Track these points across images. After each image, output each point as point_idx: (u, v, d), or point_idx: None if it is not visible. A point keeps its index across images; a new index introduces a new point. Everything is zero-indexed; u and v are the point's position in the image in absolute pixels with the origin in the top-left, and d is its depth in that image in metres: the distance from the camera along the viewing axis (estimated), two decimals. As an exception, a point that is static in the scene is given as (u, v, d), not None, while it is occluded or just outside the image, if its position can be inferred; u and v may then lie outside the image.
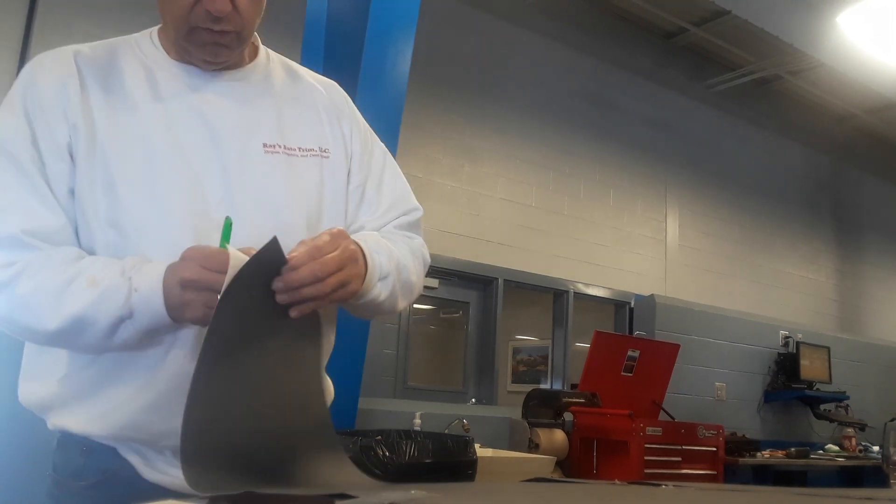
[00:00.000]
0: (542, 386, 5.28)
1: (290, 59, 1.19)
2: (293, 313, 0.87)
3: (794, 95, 6.59)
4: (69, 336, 0.88)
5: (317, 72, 1.20)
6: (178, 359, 0.91)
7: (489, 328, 4.70)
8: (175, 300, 0.84)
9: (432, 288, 4.44)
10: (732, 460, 4.31)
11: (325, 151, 1.09)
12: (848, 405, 5.83)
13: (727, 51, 5.87)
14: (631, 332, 5.20)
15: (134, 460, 0.95)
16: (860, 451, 5.44)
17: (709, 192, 6.08)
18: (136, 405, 0.92)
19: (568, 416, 3.66)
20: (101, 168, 0.94)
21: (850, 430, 5.57)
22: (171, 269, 0.86)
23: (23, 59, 3.10)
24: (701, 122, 6.11)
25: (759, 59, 5.91)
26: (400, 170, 1.20)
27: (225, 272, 0.80)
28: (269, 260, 0.84)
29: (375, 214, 1.12)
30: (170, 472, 0.93)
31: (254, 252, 0.82)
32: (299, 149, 1.06)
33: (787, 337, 5.83)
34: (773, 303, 6.33)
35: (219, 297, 0.80)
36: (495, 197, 4.84)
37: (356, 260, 0.94)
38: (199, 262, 0.83)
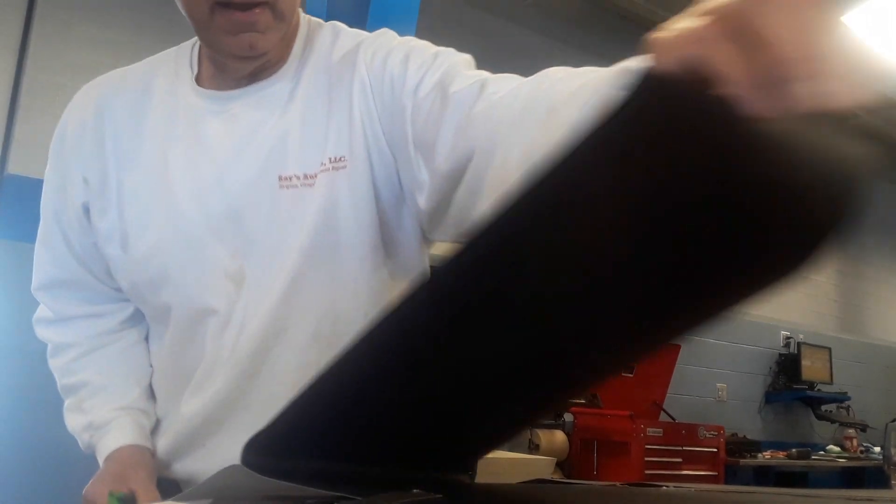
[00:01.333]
0: (543, 386, 5.27)
1: None
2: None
3: (795, 96, 6.59)
4: None
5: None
6: (192, 407, 0.92)
7: (489, 329, 4.69)
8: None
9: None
10: (733, 461, 4.30)
11: (338, 161, 0.85)
12: (849, 406, 5.83)
13: (728, 51, 5.87)
14: (631, 332, 5.19)
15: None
16: (861, 452, 5.44)
17: (709, 193, 6.08)
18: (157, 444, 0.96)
19: (568, 417, 3.65)
20: (116, 220, 0.89)
21: (851, 431, 5.56)
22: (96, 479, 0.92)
23: (22, 60, 3.10)
24: (702, 123, 6.11)
25: (759, 60, 5.91)
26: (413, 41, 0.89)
27: None
28: None
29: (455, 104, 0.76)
30: None
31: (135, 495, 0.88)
32: (321, 164, 0.85)
33: (788, 337, 5.82)
34: (774, 303, 6.32)
35: None
36: (496, 197, 4.83)
37: None
38: None
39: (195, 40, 0.93)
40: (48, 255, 0.97)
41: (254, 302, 0.85)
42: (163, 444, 0.95)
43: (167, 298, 0.89)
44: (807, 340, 5.82)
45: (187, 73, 0.91)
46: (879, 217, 7.49)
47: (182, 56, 0.93)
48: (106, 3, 3.29)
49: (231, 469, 0.56)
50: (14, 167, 3.00)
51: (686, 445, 3.68)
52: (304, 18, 0.93)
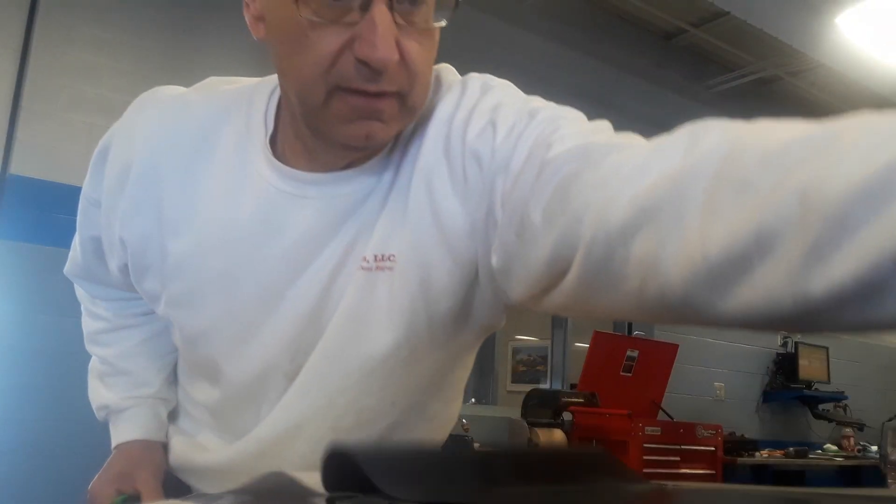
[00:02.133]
0: (542, 386, 5.28)
1: None
2: None
3: (794, 96, 6.60)
4: None
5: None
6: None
7: (489, 328, 4.70)
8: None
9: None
10: (731, 460, 4.31)
11: (387, 260, 0.73)
12: (846, 405, 5.84)
13: (727, 51, 5.88)
14: (630, 332, 5.20)
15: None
16: (858, 451, 5.45)
17: (708, 193, 6.09)
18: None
19: (567, 416, 3.67)
20: (159, 287, 0.80)
21: (848, 430, 5.57)
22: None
23: (23, 60, 3.11)
24: (700, 123, 6.11)
25: (758, 60, 5.92)
26: (511, 102, 0.74)
27: None
28: None
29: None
30: None
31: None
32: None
33: (785, 337, 5.84)
34: (772, 303, 6.34)
35: None
36: (495, 197, 4.84)
37: None
38: None
39: (275, 85, 0.77)
40: (80, 257, 0.94)
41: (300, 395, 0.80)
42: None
43: (212, 371, 0.85)
44: (804, 340, 5.84)
45: (261, 132, 0.75)
46: (877, 217, 7.51)
47: (257, 104, 0.77)
48: (108, 5, 3.30)
49: (273, 475, 0.57)
50: (16, 168, 3.01)
51: (684, 444, 3.70)
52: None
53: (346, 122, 0.65)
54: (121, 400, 0.97)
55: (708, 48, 5.91)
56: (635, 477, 0.63)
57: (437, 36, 0.68)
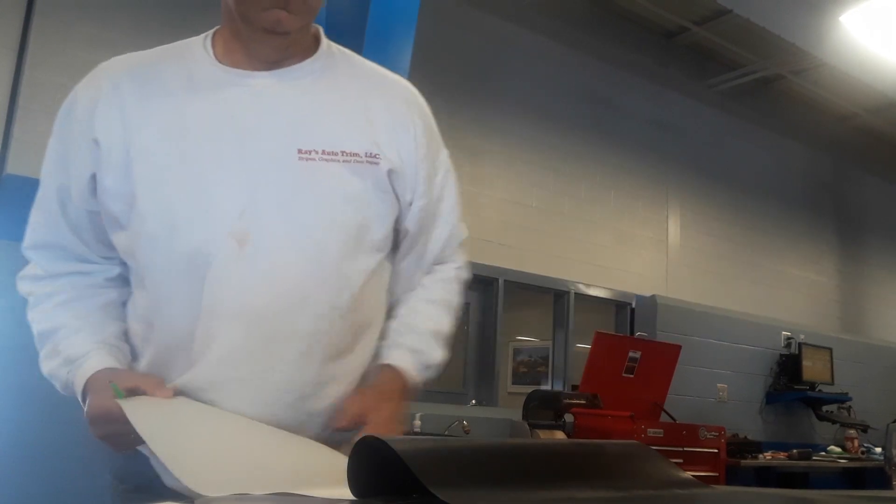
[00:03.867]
0: (543, 387, 5.26)
1: None
2: None
3: (797, 95, 6.57)
4: None
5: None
6: (202, 369, 0.93)
7: (489, 329, 4.68)
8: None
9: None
10: (734, 462, 4.29)
11: (373, 157, 0.97)
12: (850, 406, 5.82)
13: (729, 50, 5.85)
14: (632, 333, 5.18)
15: (158, 468, 0.92)
16: (863, 452, 5.43)
17: (710, 193, 6.06)
18: None
19: (569, 418, 3.65)
20: (122, 179, 0.94)
21: (852, 432, 5.55)
22: (88, 399, 0.93)
23: (21, 59, 3.09)
24: (702, 122, 6.09)
25: (761, 59, 5.89)
26: (455, 189, 1.11)
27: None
28: None
29: (421, 265, 1.09)
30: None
31: (140, 387, 0.89)
32: (342, 153, 0.96)
33: (789, 338, 5.81)
34: (775, 304, 6.31)
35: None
36: (495, 197, 4.82)
37: (401, 416, 1.00)
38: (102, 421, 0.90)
39: (205, 35, 1.02)
40: (42, 219, 1.02)
41: (252, 263, 0.91)
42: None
43: (165, 251, 0.92)
44: (808, 341, 5.81)
45: (203, 54, 0.99)
46: (881, 217, 7.48)
47: (195, 43, 1.01)
48: (105, 3, 3.28)
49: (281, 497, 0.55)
50: (13, 167, 2.99)
51: (687, 446, 3.68)
52: (322, 33, 1.05)
53: (263, 9, 0.91)
54: (80, 348, 0.96)
55: (710, 46, 5.88)
56: (675, 468, 0.63)
57: None
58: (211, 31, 1.03)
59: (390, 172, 0.98)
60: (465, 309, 4.80)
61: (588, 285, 5.14)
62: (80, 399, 0.95)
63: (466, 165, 4.70)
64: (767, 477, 4.63)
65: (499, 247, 4.75)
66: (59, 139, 1.00)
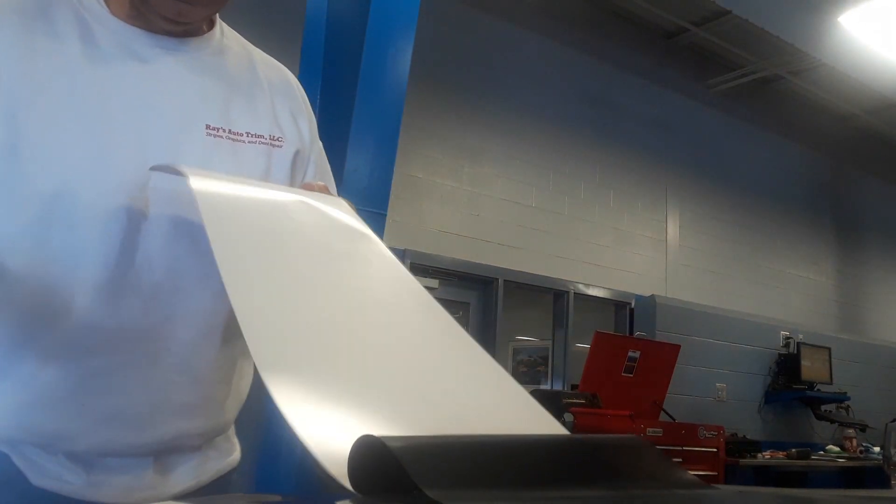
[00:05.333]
0: (543, 387, 5.27)
1: (289, 58, 1.15)
2: None
3: (796, 95, 6.58)
4: None
5: (316, 72, 1.17)
6: (64, 353, 0.85)
7: (489, 329, 4.69)
8: None
9: (432, 289, 4.43)
10: (733, 461, 4.30)
11: (277, 140, 0.97)
12: (849, 406, 5.83)
13: (728, 51, 5.86)
14: (631, 332, 5.19)
15: (23, 466, 0.86)
16: (861, 452, 5.44)
17: (709, 193, 6.08)
18: (19, 401, 0.85)
19: (568, 417, 3.65)
20: (4, 125, 0.81)
21: (850, 431, 5.56)
22: None
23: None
24: (701, 123, 6.10)
25: (760, 59, 5.91)
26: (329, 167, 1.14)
27: None
28: None
29: None
30: (64, 478, 0.85)
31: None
32: (247, 134, 0.94)
33: (787, 337, 5.83)
34: (774, 303, 6.32)
35: None
36: (495, 197, 4.83)
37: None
38: None
39: None
40: None
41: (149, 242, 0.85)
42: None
43: (54, 209, 0.82)
44: (806, 340, 5.82)
45: (101, 8, 0.88)
46: (879, 217, 7.49)
47: None
48: (106, 3, 3.29)
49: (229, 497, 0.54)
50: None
51: (686, 445, 3.68)
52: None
53: (165, 2, 0.85)
54: None
55: (709, 47, 5.90)
56: (674, 465, 0.63)
57: None
58: None
59: (295, 154, 0.99)
60: (465, 309, 4.81)
61: (587, 285, 5.15)
62: None
63: (466, 165, 4.71)
64: (766, 476, 4.64)
65: (498, 247, 4.75)
66: None
